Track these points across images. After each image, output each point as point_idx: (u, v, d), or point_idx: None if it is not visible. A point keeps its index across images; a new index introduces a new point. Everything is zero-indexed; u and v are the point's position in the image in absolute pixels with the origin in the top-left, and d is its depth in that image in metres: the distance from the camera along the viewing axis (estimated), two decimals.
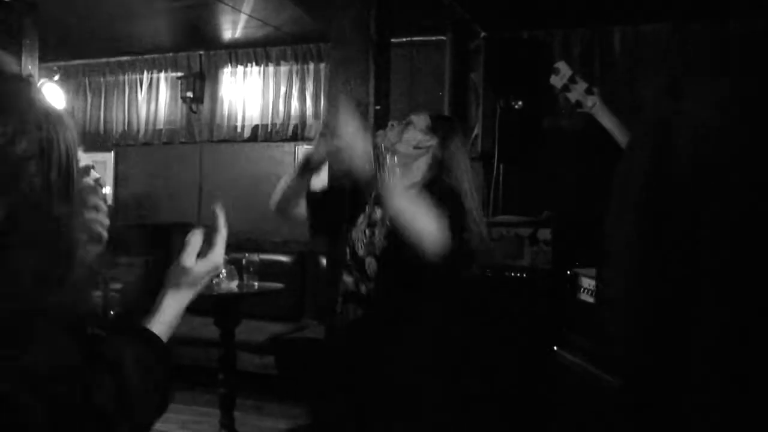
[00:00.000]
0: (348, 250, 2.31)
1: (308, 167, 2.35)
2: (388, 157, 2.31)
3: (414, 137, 2.31)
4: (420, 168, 2.29)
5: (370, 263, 2.25)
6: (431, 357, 2.22)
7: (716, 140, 2.08)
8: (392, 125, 2.36)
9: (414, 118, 2.35)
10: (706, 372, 2.10)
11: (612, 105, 2.87)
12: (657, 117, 2.35)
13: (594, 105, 2.84)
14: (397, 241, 2.17)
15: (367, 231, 2.29)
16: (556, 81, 2.91)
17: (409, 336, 2.20)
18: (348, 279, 2.31)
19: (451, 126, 2.39)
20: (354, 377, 2.27)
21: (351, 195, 2.41)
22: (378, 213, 2.29)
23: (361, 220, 2.32)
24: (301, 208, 2.43)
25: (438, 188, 2.22)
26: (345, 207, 2.39)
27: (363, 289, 2.26)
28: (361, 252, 2.28)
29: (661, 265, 2.16)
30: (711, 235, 2.08)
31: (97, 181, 3.09)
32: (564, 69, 2.91)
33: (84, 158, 3.06)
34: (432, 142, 2.30)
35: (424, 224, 2.01)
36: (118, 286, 2.78)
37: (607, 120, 2.81)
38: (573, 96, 2.88)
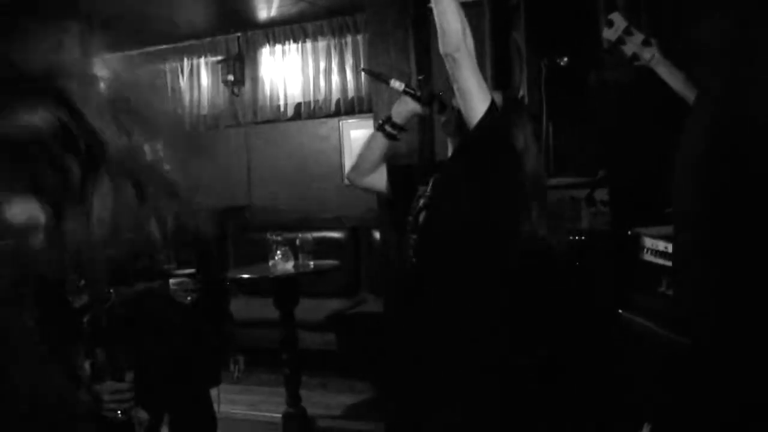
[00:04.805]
0: (410, 221, 2.35)
1: (388, 127, 2.50)
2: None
3: None
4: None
5: (415, 238, 2.29)
6: (484, 328, 2.23)
7: None
8: None
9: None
10: None
11: (667, 55, 2.73)
12: (725, 81, 2.15)
13: (652, 57, 2.68)
14: (432, 211, 2.29)
15: (420, 207, 2.32)
16: (610, 34, 2.75)
17: (458, 308, 2.21)
18: (406, 251, 2.33)
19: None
20: (410, 350, 2.29)
21: (418, 170, 2.55)
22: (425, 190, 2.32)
23: (420, 193, 2.36)
24: (374, 178, 2.57)
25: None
26: (417, 179, 2.48)
27: (412, 261, 2.30)
28: (412, 226, 2.32)
29: (732, 232, 2.07)
30: None
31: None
32: (618, 21, 2.74)
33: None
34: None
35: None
36: (188, 271, 2.77)
37: (667, 73, 2.66)
38: (629, 49, 2.72)
